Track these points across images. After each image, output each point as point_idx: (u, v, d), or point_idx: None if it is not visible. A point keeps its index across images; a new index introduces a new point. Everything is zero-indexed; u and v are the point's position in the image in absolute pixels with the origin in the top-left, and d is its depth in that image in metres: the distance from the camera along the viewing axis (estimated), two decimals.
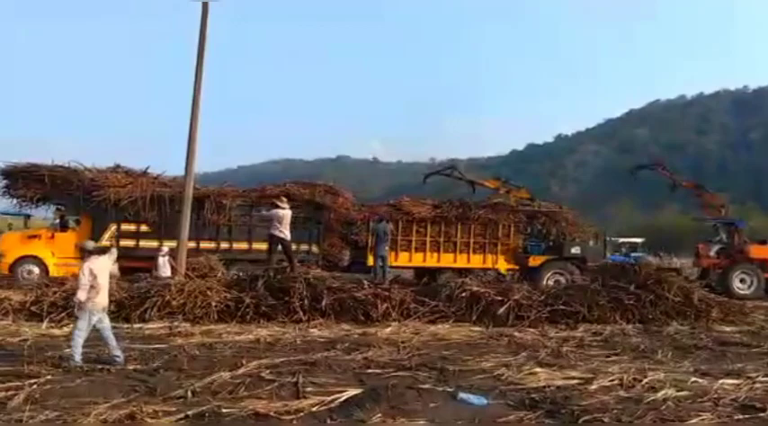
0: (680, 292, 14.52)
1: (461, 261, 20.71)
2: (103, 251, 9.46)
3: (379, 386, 7.60)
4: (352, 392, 7.24)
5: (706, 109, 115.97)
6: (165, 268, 16.09)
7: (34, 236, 18.43)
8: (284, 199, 15.34)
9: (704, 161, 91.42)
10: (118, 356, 8.64)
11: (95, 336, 8.70)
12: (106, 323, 8.75)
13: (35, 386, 7.17)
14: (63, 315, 11.65)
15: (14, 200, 18.83)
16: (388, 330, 11.95)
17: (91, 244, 9.21)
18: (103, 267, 8.73)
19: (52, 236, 18.00)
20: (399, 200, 21.55)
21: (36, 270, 17.45)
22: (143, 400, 6.75)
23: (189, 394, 7.07)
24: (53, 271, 17.30)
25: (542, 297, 13.90)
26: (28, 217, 19.66)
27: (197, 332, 11.22)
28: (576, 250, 20.92)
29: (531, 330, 12.54)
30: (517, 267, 20.98)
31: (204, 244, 18.78)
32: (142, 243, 18.43)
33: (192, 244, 18.36)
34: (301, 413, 6.54)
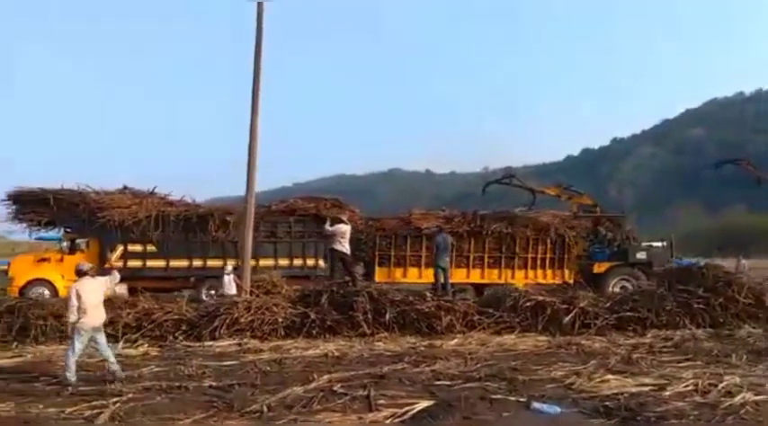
0: (751, 294, 14.07)
1: (474, 277, 20.14)
2: (105, 272, 9.63)
3: (451, 398, 7.63)
4: (424, 404, 7.30)
5: (766, 105, 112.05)
6: (230, 286, 16.41)
7: (44, 260, 18.49)
8: (346, 214, 15.52)
9: (764, 160, 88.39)
10: (117, 371, 8.84)
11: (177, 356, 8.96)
12: (101, 341, 8.98)
13: (118, 404, 7.44)
14: (137, 335, 12.06)
15: (23, 225, 18.99)
16: (454, 342, 11.94)
17: (85, 266, 9.39)
18: (92, 289, 8.94)
19: (61, 259, 17.91)
20: (409, 214, 20.87)
21: (46, 292, 17.49)
22: (222, 415, 6.95)
23: (265, 408, 7.23)
24: (63, 294, 17.11)
25: (608, 304, 13.68)
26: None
27: (266, 348, 11.43)
28: (641, 255, 20.44)
29: (599, 337, 12.36)
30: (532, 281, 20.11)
31: (210, 262, 18.88)
32: (149, 263, 18.58)
33: (199, 263, 18.85)
34: (376, 425, 6.62)
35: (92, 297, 8.82)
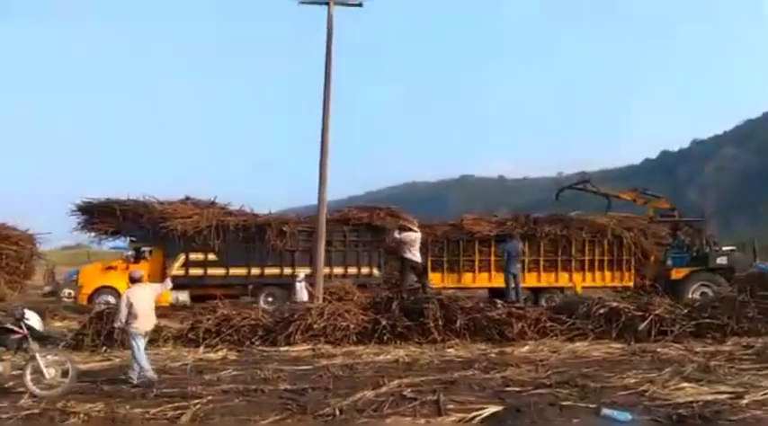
0: None
1: (531, 280, 19.99)
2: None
3: (520, 404, 7.65)
4: (492, 409, 7.36)
5: None
6: (302, 293, 16.85)
7: (110, 268, 19.31)
8: (415, 223, 15.67)
9: None
10: (131, 378, 9.18)
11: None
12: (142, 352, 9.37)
13: (199, 406, 7.82)
14: (216, 340, 12.55)
15: (91, 234, 20.05)
16: (525, 349, 11.88)
17: (138, 274, 9.92)
18: (143, 296, 9.37)
19: (127, 267, 18.11)
20: (461, 219, 20.98)
21: (112, 300, 17.86)
22: (296, 418, 7.22)
23: (337, 411, 7.46)
24: None
25: (686, 311, 13.30)
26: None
27: (338, 353, 11.70)
28: (722, 260, 19.71)
29: (676, 345, 12.03)
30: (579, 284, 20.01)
31: (268, 270, 19.47)
32: (210, 271, 19.20)
33: (257, 271, 19.40)
34: None
35: (143, 303, 9.29)
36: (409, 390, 8.48)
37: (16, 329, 8.62)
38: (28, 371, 8.48)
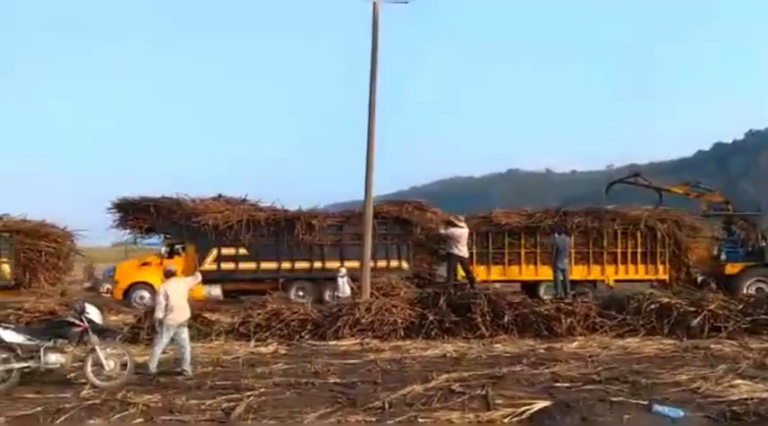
0: None
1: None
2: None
3: (570, 399, 7.62)
4: (541, 404, 7.34)
5: None
6: (344, 288, 17.01)
7: (146, 264, 19.80)
8: (461, 218, 15.64)
9: None
10: (186, 370, 9.50)
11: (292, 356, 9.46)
12: (185, 336, 9.78)
13: (252, 398, 8.00)
14: (267, 334, 12.80)
15: (127, 231, 20.61)
16: (575, 344, 11.79)
17: (173, 268, 10.37)
18: (178, 288, 9.77)
19: (161, 263, 18.46)
20: (490, 212, 20.83)
21: (147, 295, 18.54)
22: (347, 410, 7.33)
23: (386, 405, 7.54)
24: None
25: (740, 307, 12.98)
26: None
27: (386, 347, 11.80)
28: None
29: (730, 341, 11.78)
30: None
31: (298, 264, 19.75)
32: (241, 265, 19.59)
33: (287, 265, 19.65)
34: (494, 424, 6.77)
35: (177, 296, 9.68)
36: (458, 385, 8.52)
37: (77, 322, 8.99)
38: (89, 363, 8.83)
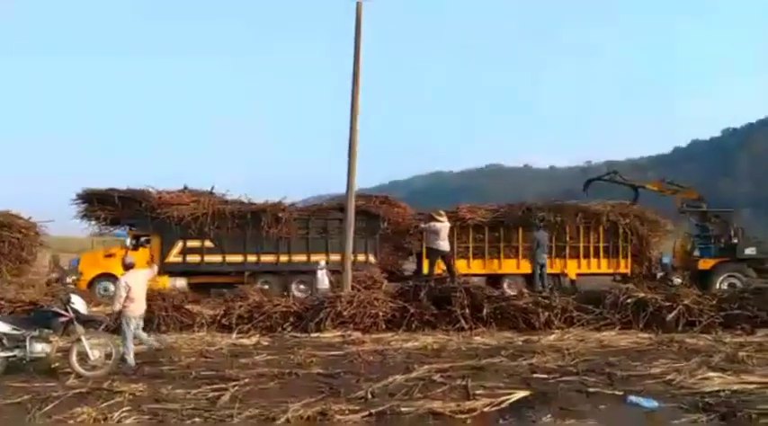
0: None
1: (525, 267, 19.93)
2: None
3: (548, 390, 7.85)
4: (520, 394, 7.56)
5: None
6: (323, 280, 17.12)
7: (110, 255, 19.59)
8: (442, 213, 15.83)
9: None
10: (125, 361, 9.44)
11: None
12: (139, 330, 9.82)
13: (236, 388, 8.13)
14: (249, 326, 12.91)
15: (92, 222, 20.32)
16: (552, 337, 12.02)
17: (131, 260, 10.32)
18: (137, 280, 9.79)
19: (126, 254, 18.03)
20: (456, 207, 20.82)
21: (111, 287, 17.98)
22: (330, 400, 7.48)
23: (369, 395, 7.73)
24: None
25: (714, 302, 13.32)
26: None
27: (368, 339, 11.95)
28: (750, 251, 19.61)
29: (704, 335, 12.07)
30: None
31: (264, 257, 19.74)
32: (207, 258, 19.56)
33: (253, 258, 19.66)
34: (474, 413, 6.97)
35: (138, 288, 9.72)
36: (438, 375, 8.71)
37: (63, 312, 9.04)
38: (74, 353, 8.91)
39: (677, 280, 18.96)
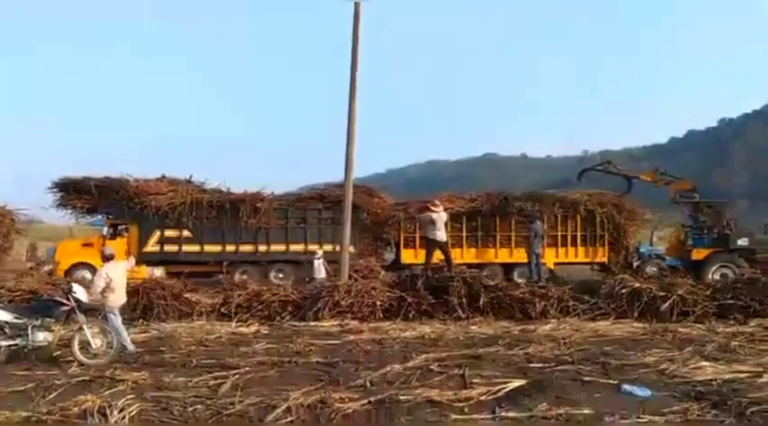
0: None
1: (502, 256, 20.19)
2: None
3: (543, 379, 7.99)
4: (516, 383, 7.71)
5: None
6: (319, 270, 17.20)
7: (87, 244, 19.42)
8: (437, 203, 15.92)
9: None
10: (126, 349, 9.49)
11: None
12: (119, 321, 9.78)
13: (237, 376, 8.27)
14: (248, 315, 13.02)
15: (68, 211, 20.04)
16: (548, 327, 12.15)
17: (111, 251, 10.27)
18: (117, 271, 9.78)
19: (104, 244, 17.67)
20: (434, 197, 20.22)
21: (89, 276, 17.12)
22: (330, 388, 7.61)
23: (367, 383, 7.88)
24: None
25: (708, 292, 13.48)
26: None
27: (365, 329, 12.08)
28: (743, 241, 19.74)
29: (698, 325, 12.23)
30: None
31: (243, 247, 19.66)
32: (185, 247, 19.44)
33: (232, 248, 19.57)
34: (471, 401, 7.10)
35: (118, 278, 9.72)
36: (436, 364, 8.85)
37: (65, 301, 9.14)
38: (76, 341, 9.01)
39: (652, 270, 19.14)
